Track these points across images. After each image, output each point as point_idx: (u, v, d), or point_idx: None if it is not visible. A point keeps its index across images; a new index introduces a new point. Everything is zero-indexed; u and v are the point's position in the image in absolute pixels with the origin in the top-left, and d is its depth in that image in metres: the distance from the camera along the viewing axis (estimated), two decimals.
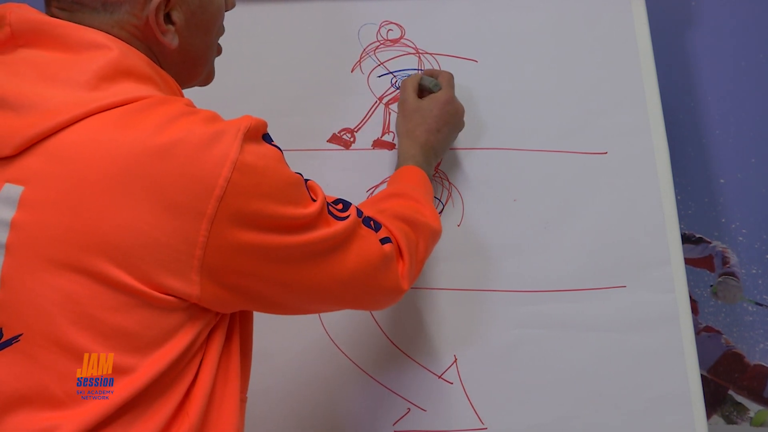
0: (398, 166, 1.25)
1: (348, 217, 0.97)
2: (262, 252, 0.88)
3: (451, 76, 1.33)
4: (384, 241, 1.02)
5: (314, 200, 0.92)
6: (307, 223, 0.91)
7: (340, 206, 0.98)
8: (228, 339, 0.94)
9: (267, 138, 0.90)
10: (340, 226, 0.95)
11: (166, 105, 0.87)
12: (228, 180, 0.83)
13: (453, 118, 1.30)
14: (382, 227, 1.03)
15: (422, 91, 1.33)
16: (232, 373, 0.93)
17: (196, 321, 0.88)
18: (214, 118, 0.88)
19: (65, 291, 0.83)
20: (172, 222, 0.83)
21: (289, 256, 0.91)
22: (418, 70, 1.41)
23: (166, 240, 0.83)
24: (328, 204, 0.96)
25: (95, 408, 0.83)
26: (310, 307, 1.00)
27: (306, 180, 0.94)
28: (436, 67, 1.40)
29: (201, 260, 0.84)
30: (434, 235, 1.14)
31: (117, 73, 0.88)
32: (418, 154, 1.24)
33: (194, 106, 0.91)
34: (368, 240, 1.00)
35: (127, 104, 0.86)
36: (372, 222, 1.02)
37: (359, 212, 1.00)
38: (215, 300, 0.88)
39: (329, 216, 0.94)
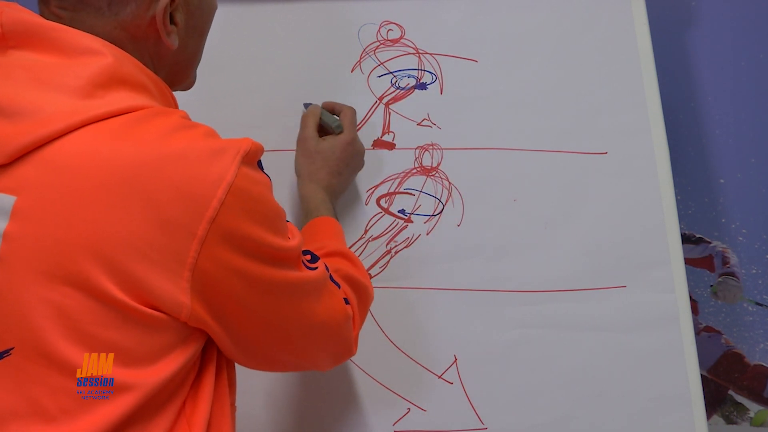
0: (309, 211, 1.22)
1: (317, 269, 0.97)
2: (243, 277, 0.87)
3: (353, 114, 1.32)
4: (346, 301, 1.02)
5: (290, 239, 0.92)
6: (286, 258, 0.91)
7: (308, 257, 0.98)
8: (220, 351, 0.93)
9: (260, 165, 0.90)
10: (311, 274, 0.95)
11: (163, 117, 0.86)
12: (222, 202, 0.82)
13: (354, 160, 1.30)
14: (341, 288, 1.03)
15: (323, 127, 1.31)
16: (226, 382, 0.93)
17: (191, 340, 0.87)
18: (212, 133, 0.87)
19: (58, 305, 0.81)
20: (164, 239, 0.82)
21: (267, 289, 0.90)
22: (417, 70, 1.41)
23: (158, 257, 0.82)
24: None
25: (89, 424, 0.82)
26: (268, 350, 0.96)
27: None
28: (436, 68, 1.40)
29: (190, 281, 0.83)
30: (371, 299, 1.14)
31: (112, 81, 0.86)
32: (327, 200, 1.23)
33: (190, 119, 0.90)
34: (336, 296, 1.00)
35: (123, 114, 0.85)
36: (335, 281, 1.02)
37: (326, 267, 1.00)
38: (198, 322, 0.86)
39: (301, 263, 0.94)
